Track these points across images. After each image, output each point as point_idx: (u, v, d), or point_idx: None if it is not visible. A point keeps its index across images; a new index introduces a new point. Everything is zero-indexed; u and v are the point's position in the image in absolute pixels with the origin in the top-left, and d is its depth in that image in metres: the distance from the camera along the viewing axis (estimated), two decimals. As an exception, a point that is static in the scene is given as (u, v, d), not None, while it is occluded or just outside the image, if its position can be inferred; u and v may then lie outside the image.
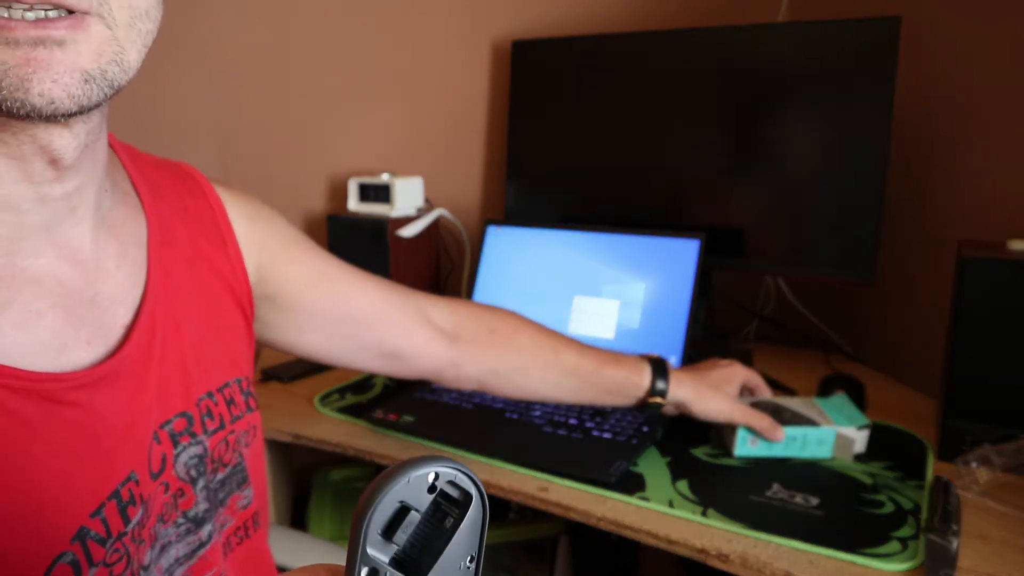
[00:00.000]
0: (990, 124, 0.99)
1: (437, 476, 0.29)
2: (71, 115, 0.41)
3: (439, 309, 0.83)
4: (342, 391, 1.09)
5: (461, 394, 1.01)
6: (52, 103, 0.39)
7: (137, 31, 0.44)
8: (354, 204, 1.26)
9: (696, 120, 1.14)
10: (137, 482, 0.50)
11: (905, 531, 0.70)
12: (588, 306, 1.07)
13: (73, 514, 0.46)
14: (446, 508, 0.30)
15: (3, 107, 0.39)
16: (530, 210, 1.28)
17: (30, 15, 0.38)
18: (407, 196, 1.25)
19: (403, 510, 0.29)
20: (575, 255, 1.10)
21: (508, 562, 1.25)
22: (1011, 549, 0.68)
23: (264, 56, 1.25)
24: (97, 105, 0.42)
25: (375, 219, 1.21)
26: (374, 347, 0.79)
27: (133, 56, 0.44)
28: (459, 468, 0.30)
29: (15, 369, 0.43)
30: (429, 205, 1.32)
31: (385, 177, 1.24)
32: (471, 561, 0.30)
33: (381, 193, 1.24)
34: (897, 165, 1.06)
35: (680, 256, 1.03)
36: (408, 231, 1.22)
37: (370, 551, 0.28)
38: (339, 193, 1.33)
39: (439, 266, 1.34)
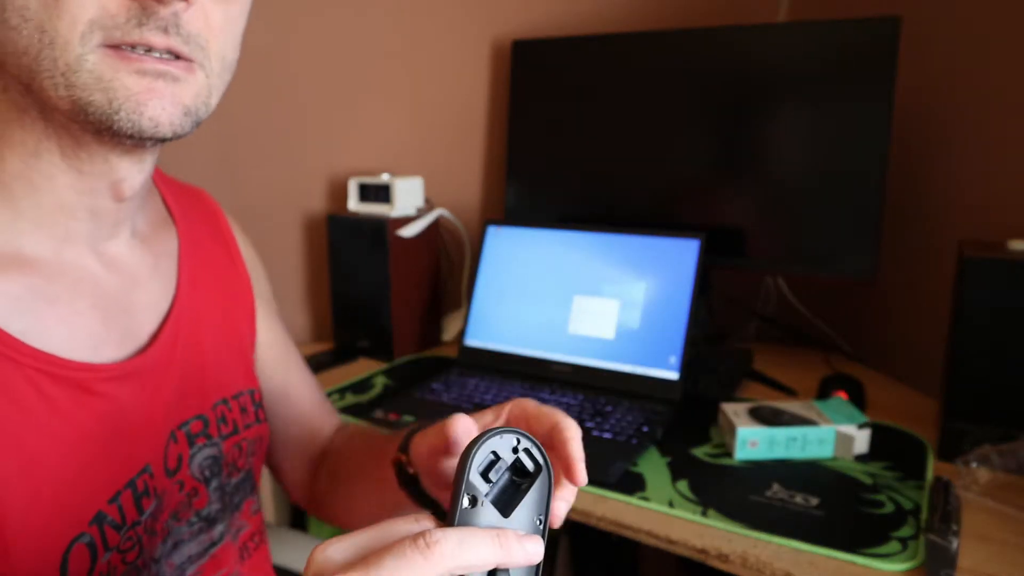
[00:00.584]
0: (990, 124, 0.99)
1: (519, 441, 0.38)
2: (161, 140, 0.47)
3: (333, 425, 0.78)
4: (342, 391, 1.09)
5: (461, 394, 1.01)
6: (156, 127, 0.45)
7: (222, 80, 0.51)
8: (354, 204, 1.26)
9: (696, 120, 1.14)
10: (151, 475, 0.53)
11: (905, 531, 0.70)
12: (588, 306, 1.07)
13: (93, 498, 0.49)
14: (519, 480, 0.38)
15: (115, 127, 0.44)
16: (530, 210, 1.28)
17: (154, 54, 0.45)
18: (407, 196, 1.25)
19: (494, 461, 0.37)
20: (575, 255, 1.10)
21: (508, 562, 1.24)
22: (1011, 549, 0.68)
23: (264, 56, 1.25)
24: (180, 136, 0.48)
25: (375, 219, 1.21)
26: (281, 429, 0.74)
27: (215, 99, 0.50)
28: (536, 443, 0.38)
29: (56, 357, 0.47)
30: (429, 205, 1.32)
31: (385, 177, 1.24)
32: (540, 523, 0.38)
33: (381, 193, 1.24)
34: (897, 165, 1.06)
35: (680, 256, 1.03)
36: (408, 231, 1.22)
37: (472, 479, 0.36)
38: (339, 193, 1.33)
39: (439, 266, 1.34)
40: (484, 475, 0.37)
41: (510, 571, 0.36)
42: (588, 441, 0.87)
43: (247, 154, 1.29)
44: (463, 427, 0.48)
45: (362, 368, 1.21)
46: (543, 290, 1.11)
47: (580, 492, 0.79)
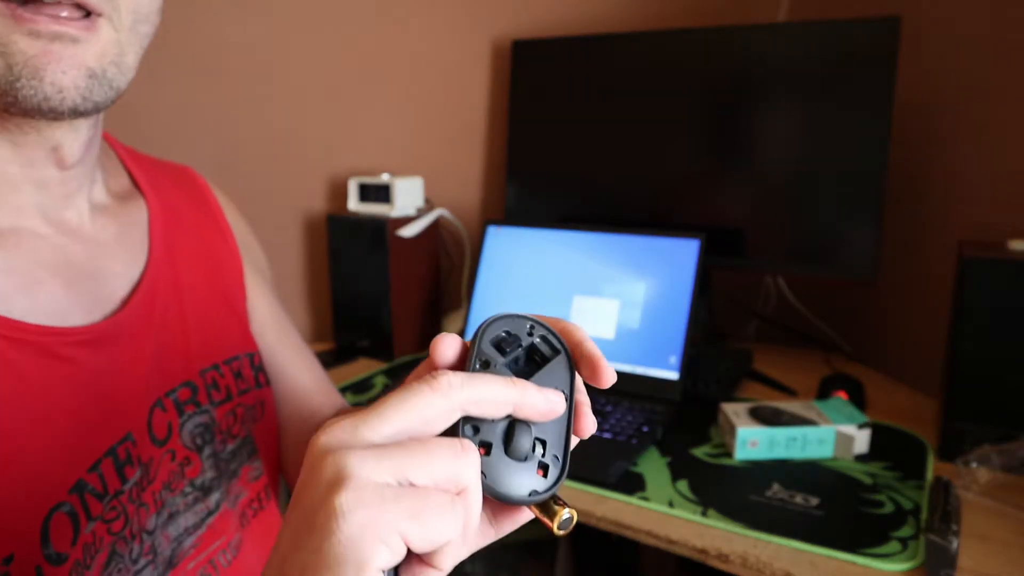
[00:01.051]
0: (990, 124, 0.99)
1: (533, 327, 0.36)
2: (76, 112, 0.45)
3: (335, 408, 0.75)
4: (342, 391, 1.09)
5: (461, 394, 1.01)
6: (61, 92, 0.44)
7: (137, 34, 0.48)
8: (354, 204, 1.26)
9: (696, 120, 1.14)
10: (134, 443, 0.52)
11: (905, 531, 0.70)
12: (588, 306, 1.07)
13: (71, 467, 0.47)
14: (530, 367, 0.36)
15: (19, 96, 0.43)
16: (530, 210, 1.28)
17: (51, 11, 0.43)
18: (407, 196, 1.25)
19: (507, 338, 0.36)
20: (575, 255, 1.10)
21: (508, 562, 1.25)
22: (1011, 549, 0.68)
23: (263, 55, 1.25)
24: (99, 106, 0.47)
25: (375, 219, 1.21)
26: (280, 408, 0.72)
27: (131, 58, 0.48)
28: (551, 330, 0.36)
29: (15, 321, 0.46)
30: (429, 205, 1.32)
31: (385, 177, 1.24)
32: (565, 397, 0.35)
33: (381, 193, 1.24)
34: (897, 165, 1.06)
35: (680, 256, 1.03)
36: (408, 231, 1.22)
37: (484, 347, 0.35)
38: (339, 193, 1.33)
39: (439, 266, 1.34)
40: (498, 347, 0.35)
41: (533, 429, 0.33)
42: (588, 441, 0.88)
43: (247, 154, 1.29)
44: (449, 343, 0.36)
45: (362, 368, 1.21)
46: (543, 290, 1.11)
47: (580, 492, 0.79)
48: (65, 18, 0.43)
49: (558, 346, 0.36)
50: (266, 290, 0.72)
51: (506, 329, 0.35)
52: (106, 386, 0.51)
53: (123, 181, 0.62)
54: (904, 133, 1.07)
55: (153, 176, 0.64)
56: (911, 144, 1.10)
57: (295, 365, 0.73)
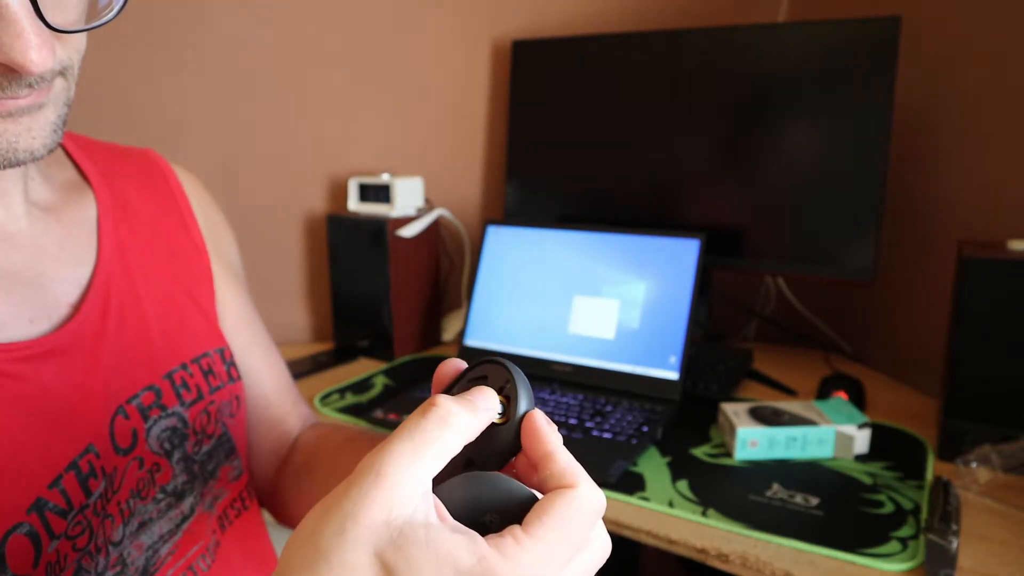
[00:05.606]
0: (990, 124, 0.99)
1: (506, 384, 0.36)
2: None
3: (302, 418, 0.74)
4: (342, 391, 1.09)
5: (461, 394, 1.01)
6: (32, 154, 0.44)
7: (79, 70, 0.47)
8: (354, 204, 1.26)
9: (696, 120, 1.14)
10: (97, 455, 0.50)
11: (905, 531, 0.70)
12: (588, 306, 1.07)
13: (27, 486, 0.46)
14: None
15: None
16: (530, 210, 1.28)
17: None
18: (407, 196, 1.25)
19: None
20: (575, 255, 1.10)
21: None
22: (1011, 549, 0.68)
23: (264, 55, 1.25)
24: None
25: (375, 219, 1.21)
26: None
27: (72, 91, 0.47)
28: (520, 396, 0.35)
29: None
30: (429, 205, 1.32)
31: (385, 177, 1.24)
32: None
33: (381, 193, 1.24)
34: (897, 165, 1.06)
35: (680, 256, 1.03)
36: (408, 231, 1.22)
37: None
38: (339, 193, 1.33)
39: (439, 266, 1.34)
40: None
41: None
42: (588, 441, 0.88)
43: (247, 154, 1.29)
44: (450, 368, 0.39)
45: (362, 368, 1.21)
46: (543, 290, 1.11)
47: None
48: (29, 89, 0.42)
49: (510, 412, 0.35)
50: (238, 288, 0.69)
51: (484, 374, 0.36)
52: (60, 398, 0.49)
53: (68, 173, 0.58)
54: (904, 133, 1.08)
55: (104, 165, 0.61)
56: (911, 144, 1.10)
57: (262, 369, 0.70)
